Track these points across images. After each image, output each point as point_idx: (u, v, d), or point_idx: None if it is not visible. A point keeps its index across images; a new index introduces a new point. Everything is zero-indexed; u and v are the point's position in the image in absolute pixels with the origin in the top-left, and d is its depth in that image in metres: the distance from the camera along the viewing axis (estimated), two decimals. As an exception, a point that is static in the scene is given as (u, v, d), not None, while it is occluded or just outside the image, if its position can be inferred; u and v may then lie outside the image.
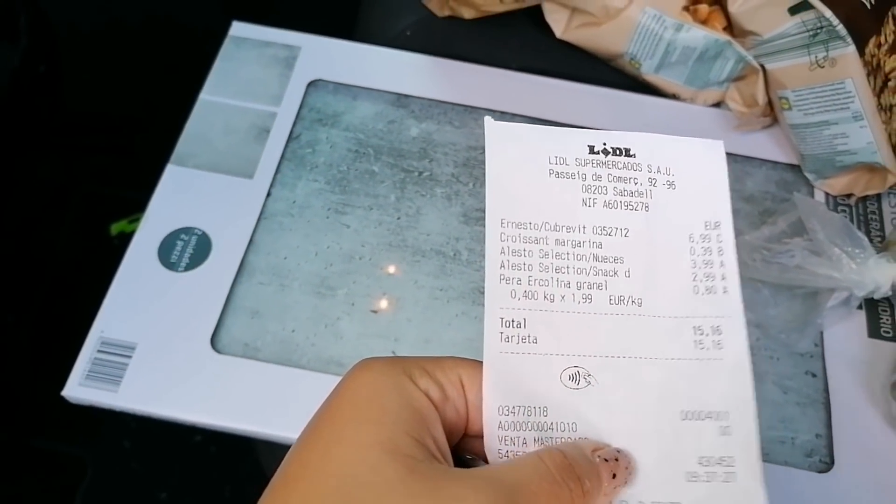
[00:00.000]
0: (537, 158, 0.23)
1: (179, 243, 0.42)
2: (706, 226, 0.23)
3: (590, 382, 0.20)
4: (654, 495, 0.20)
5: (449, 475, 0.17)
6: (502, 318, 0.21)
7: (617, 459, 0.19)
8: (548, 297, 0.21)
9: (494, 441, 0.20)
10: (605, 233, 0.22)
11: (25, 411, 0.73)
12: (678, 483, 0.20)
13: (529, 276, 0.22)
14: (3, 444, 0.72)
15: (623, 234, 0.22)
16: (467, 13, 0.48)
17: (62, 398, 0.38)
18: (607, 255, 0.22)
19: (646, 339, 0.21)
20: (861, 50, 0.40)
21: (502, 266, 0.22)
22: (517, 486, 0.17)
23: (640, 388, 0.20)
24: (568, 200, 0.23)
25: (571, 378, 0.20)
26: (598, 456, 0.19)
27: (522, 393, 0.20)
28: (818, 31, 0.40)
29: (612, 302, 0.21)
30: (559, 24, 0.48)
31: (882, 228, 0.45)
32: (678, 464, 0.20)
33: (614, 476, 0.19)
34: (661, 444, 0.20)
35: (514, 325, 0.21)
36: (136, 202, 0.84)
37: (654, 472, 0.20)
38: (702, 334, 0.22)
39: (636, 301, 0.21)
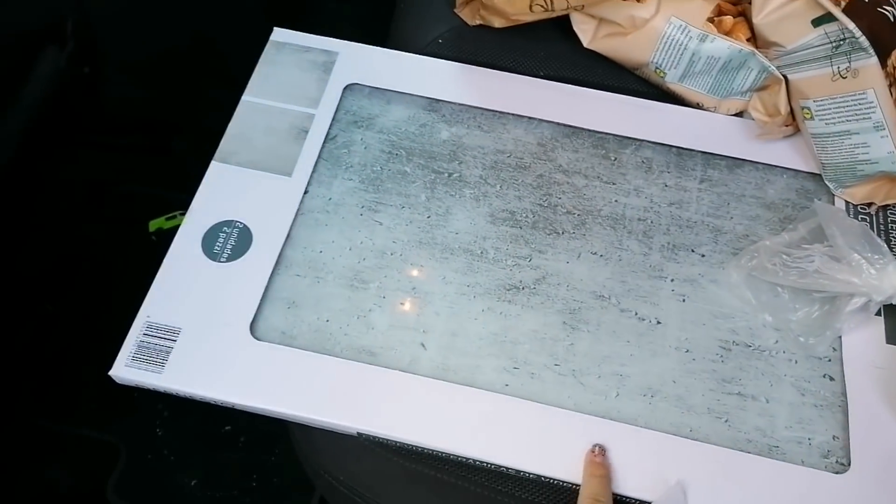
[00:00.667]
0: None
1: (222, 235, 0.44)
2: None
3: None
4: None
5: None
6: None
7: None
8: None
9: None
10: None
11: (61, 398, 0.76)
12: None
13: None
14: (40, 430, 0.75)
15: None
16: (497, 22, 0.50)
17: (96, 386, 0.40)
18: None
19: None
20: (883, 61, 0.41)
21: None
22: None
23: None
24: None
25: None
26: None
27: None
28: (841, 42, 0.41)
29: None
30: (586, 33, 0.50)
31: (902, 237, 0.46)
32: None
33: None
34: None
35: None
36: (173, 200, 0.88)
37: None
38: None
39: None
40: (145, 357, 0.40)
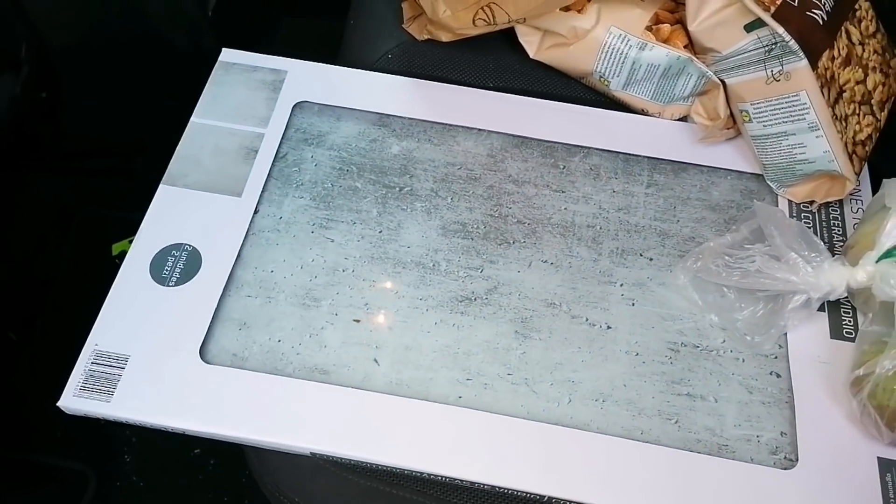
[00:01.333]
0: None
1: (171, 259, 0.44)
2: None
3: None
4: None
5: None
6: None
7: None
8: None
9: None
10: None
11: (29, 427, 0.75)
12: None
13: None
14: (7, 460, 0.74)
15: None
16: (444, 36, 0.51)
17: (63, 414, 0.39)
18: None
19: None
20: (814, 63, 0.42)
21: None
22: None
23: None
24: None
25: None
26: None
27: None
28: (773, 46, 0.42)
29: None
30: (532, 45, 0.51)
31: (844, 233, 0.47)
32: None
33: None
34: None
35: None
36: (137, 223, 0.87)
37: None
38: None
39: None
40: (93, 386, 0.40)
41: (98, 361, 0.40)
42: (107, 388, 0.40)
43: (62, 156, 0.92)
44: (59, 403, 0.39)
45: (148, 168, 0.91)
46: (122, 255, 0.83)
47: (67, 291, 0.82)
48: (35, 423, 0.74)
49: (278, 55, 0.53)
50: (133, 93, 0.89)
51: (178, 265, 0.44)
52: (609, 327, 0.43)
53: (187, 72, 0.68)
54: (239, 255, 0.45)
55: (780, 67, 0.42)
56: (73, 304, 0.81)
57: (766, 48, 0.42)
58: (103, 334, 0.41)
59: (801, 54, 0.41)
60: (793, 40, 0.40)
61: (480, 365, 0.42)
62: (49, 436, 0.74)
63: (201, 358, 0.41)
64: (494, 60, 0.54)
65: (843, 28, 0.44)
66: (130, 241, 0.83)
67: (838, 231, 0.47)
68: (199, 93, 0.51)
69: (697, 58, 0.46)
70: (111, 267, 0.82)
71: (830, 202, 0.47)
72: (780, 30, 0.40)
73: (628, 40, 0.46)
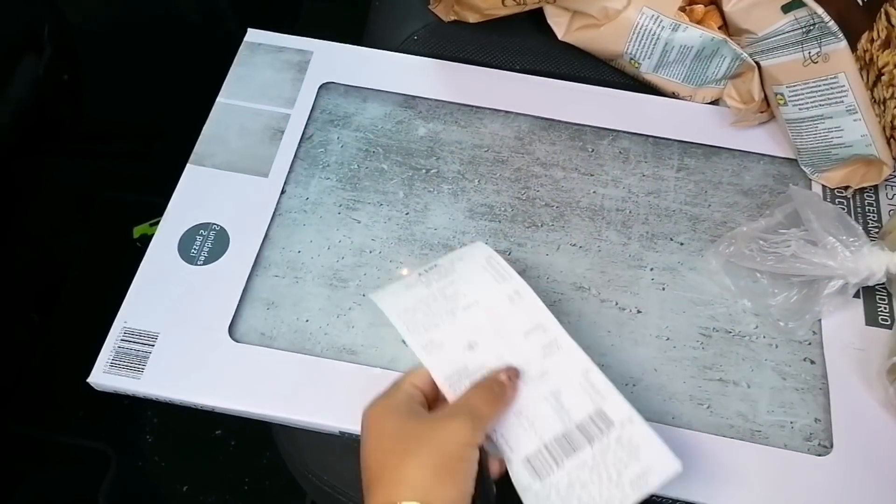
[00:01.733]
0: None
1: (199, 238, 0.44)
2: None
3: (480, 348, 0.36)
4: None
5: (439, 413, 0.34)
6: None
7: (511, 370, 0.35)
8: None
9: (449, 393, 0.35)
10: None
11: (51, 407, 0.75)
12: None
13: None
14: (29, 440, 0.74)
15: None
16: (471, 17, 0.50)
17: (86, 395, 0.39)
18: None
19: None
20: (853, 45, 0.41)
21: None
22: (467, 399, 0.34)
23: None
24: None
25: (470, 347, 0.36)
26: (503, 372, 0.35)
27: (451, 367, 0.35)
28: (811, 27, 0.41)
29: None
30: (560, 26, 0.50)
31: (879, 219, 0.46)
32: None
33: (510, 378, 0.34)
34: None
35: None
36: (157, 206, 0.87)
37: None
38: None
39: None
40: (123, 363, 0.40)
41: (127, 338, 0.40)
42: (137, 365, 0.40)
43: (82, 139, 0.92)
44: (88, 380, 0.40)
45: (167, 151, 0.91)
46: (143, 237, 0.84)
47: (88, 273, 0.83)
48: (57, 403, 0.75)
49: (304, 36, 0.53)
50: (152, 76, 0.89)
51: (206, 244, 0.44)
52: (639, 311, 0.43)
53: (208, 54, 0.67)
54: (266, 236, 0.45)
55: (819, 49, 0.41)
56: (93, 285, 0.81)
57: (804, 29, 0.41)
58: (132, 312, 0.41)
59: (841, 35, 0.40)
60: (832, 21, 0.40)
61: (508, 347, 0.42)
62: (71, 416, 0.75)
63: (230, 336, 0.41)
64: (521, 42, 0.53)
65: (882, 10, 0.43)
66: (152, 225, 0.84)
67: (873, 217, 0.46)
68: (220, 75, 0.51)
69: (732, 39, 0.45)
70: (132, 250, 0.83)
71: (865, 188, 0.46)
72: (820, 10, 0.40)
73: (661, 21, 0.46)
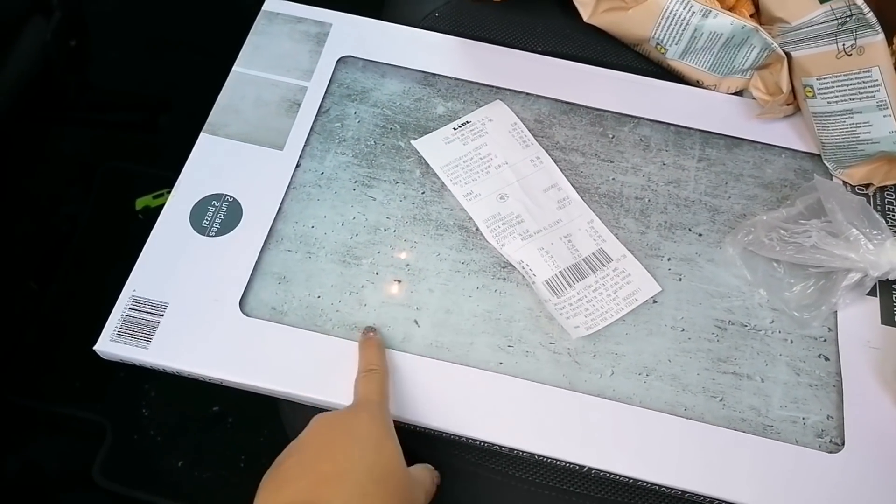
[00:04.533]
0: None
1: (211, 209, 0.43)
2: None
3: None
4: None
5: None
6: None
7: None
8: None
9: (487, 232, 0.44)
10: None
11: (46, 378, 0.75)
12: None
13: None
14: (25, 409, 0.74)
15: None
16: (496, -5, 0.49)
17: (83, 365, 0.39)
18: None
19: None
20: (890, 39, 0.40)
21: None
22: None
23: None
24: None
25: (501, 198, 0.45)
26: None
27: (489, 212, 0.45)
28: (847, 18, 0.40)
29: None
30: (587, 7, 0.49)
31: (900, 218, 0.45)
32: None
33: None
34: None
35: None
36: (161, 178, 0.86)
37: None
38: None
39: None
40: (131, 332, 0.39)
41: (136, 307, 0.40)
42: (145, 335, 0.39)
43: (86, 108, 0.91)
44: (95, 347, 0.39)
45: (173, 124, 0.90)
46: (146, 210, 0.83)
47: (88, 244, 0.82)
48: (54, 373, 0.74)
49: (319, 2, 0.51)
50: (162, 48, 0.88)
51: (218, 215, 0.43)
52: (655, 301, 0.42)
53: (220, 27, 0.66)
54: (280, 209, 0.44)
55: (854, 41, 0.40)
56: (94, 256, 0.80)
57: (840, 20, 0.40)
58: (141, 280, 0.40)
59: (879, 28, 0.39)
60: (871, 13, 0.39)
61: (522, 332, 0.41)
62: (68, 387, 0.74)
63: (240, 310, 0.40)
64: (544, 23, 0.52)
65: (918, 4, 0.42)
66: (155, 197, 0.83)
67: (893, 215, 0.46)
68: (230, 49, 0.50)
69: (763, 28, 0.44)
70: (134, 221, 0.81)
71: (887, 186, 0.46)
72: (859, 1, 0.39)
73: (691, 6, 0.45)
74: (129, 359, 0.39)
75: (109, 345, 0.39)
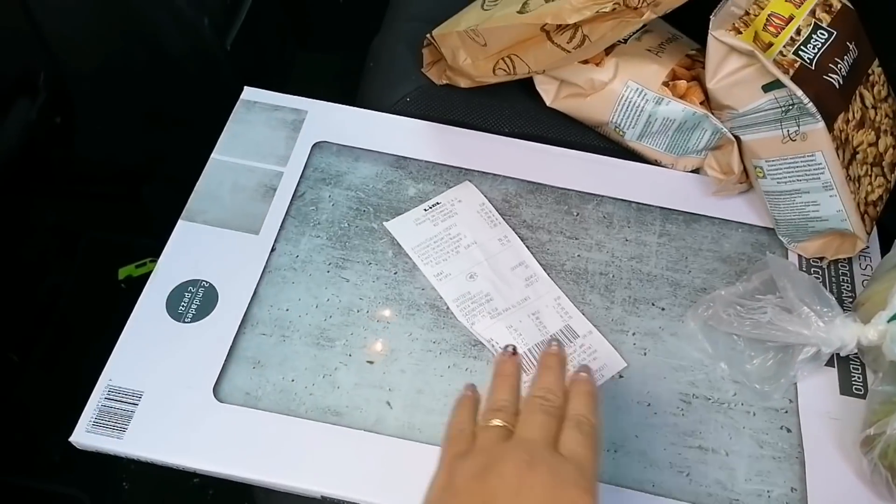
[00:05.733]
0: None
1: (187, 295, 0.44)
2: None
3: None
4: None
5: None
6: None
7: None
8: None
9: (457, 311, 0.46)
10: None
11: (26, 452, 0.74)
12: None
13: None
14: (3, 485, 0.73)
15: None
16: (463, 83, 0.52)
17: (63, 439, 0.39)
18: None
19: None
20: (830, 125, 0.43)
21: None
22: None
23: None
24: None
25: (471, 277, 0.47)
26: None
27: (458, 292, 0.47)
28: (790, 107, 0.43)
29: None
30: (548, 93, 0.52)
31: (853, 289, 0.47)
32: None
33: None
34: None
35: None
36: (143, 248, 0.87)
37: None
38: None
39: None
40: (107, 422, 0.40)
41: (112, 397, 0.40)
42: (119, 425, 0.40)
43: (70, 180, 0.92)
44: (70, 439, 0.39)
45: (154, 195, 0.92)
46: (129, 279, 0.84)
47: (71, 315, 0.82)
48: (33, 448, 0.74)
49: (295, 90, 0.54)
50: (144, 120, 0.90)
51: (194, 301, 0.44)
52: (621, 376, 0.44)
53: (203, 103, 0.68)
54: (255, 293, 0.45)
55: (797, 128, 0.43)
56: (76, 327, 0.80)
57: (784, 108, 0.43)
58: (118, 369, 0.41)
59: (819, 116, 0.42)
60: (811, 103, 0.41)
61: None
62: (46, 461, 0.73)
63: (215, 396, 0.41)
64: (510, 106, 0.55)
65: (857, 92, 0.45)
66: (137, 266, 0.84)
67: (847, 287, 0.47)
68: (213, 123, 0.52)
69: (713, 114, 0.47)
70: (116, 291, 0.82)
71: (840, 259, 0.48)
72: (799, 92, 0.41)
73: (645, 94, 0.47)
74: (104, 449, 0.40)
75: (85, 436, 0.39)
